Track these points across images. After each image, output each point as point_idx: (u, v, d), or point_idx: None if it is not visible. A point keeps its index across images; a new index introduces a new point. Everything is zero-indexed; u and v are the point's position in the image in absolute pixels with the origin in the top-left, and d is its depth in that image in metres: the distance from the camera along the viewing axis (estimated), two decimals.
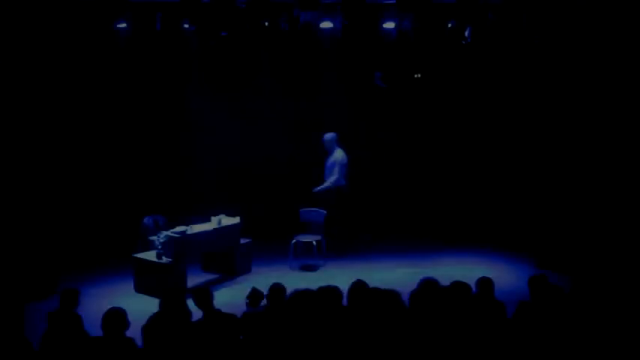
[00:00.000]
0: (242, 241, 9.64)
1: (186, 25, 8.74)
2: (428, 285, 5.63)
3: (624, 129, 9.39)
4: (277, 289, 5.76)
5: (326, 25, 8.95)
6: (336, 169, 10.15)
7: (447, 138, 11.85)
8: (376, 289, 5.57)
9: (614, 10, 8.73)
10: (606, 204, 9.44)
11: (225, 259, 9.50)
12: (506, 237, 10.71)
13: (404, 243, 11.02)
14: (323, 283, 5.88)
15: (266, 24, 8.36)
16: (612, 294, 5.92)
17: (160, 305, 5.55)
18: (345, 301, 5.66)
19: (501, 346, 5.18)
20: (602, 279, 8.47)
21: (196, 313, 5.71)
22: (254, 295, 6.06)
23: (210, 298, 5.65)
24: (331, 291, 5.58)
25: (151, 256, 8.78)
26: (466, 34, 8.74)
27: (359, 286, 5.65)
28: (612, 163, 9.44)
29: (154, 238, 8.84)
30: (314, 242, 9.76)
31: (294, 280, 9.01)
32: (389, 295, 5.43)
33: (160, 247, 8.68)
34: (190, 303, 5.74)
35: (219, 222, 9.35)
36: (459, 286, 5.72)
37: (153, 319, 5.50)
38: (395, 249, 10.73)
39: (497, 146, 11.46)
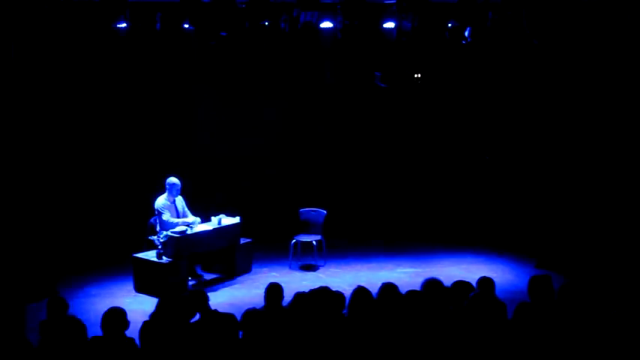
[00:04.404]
0: (242, 241, 9.64)
1: (186, 25, 8.75)
2: (431, 285, 5.62)
3: (622, 133, 9.38)
4: (275, 288, 5.75)
5: (326, 25, 8.94)
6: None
7: (447, 138, 11.85)
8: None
9: (613, 10, 8.71)
10: (602, 206, 9.44)
11: (225, 259, 9.51)
12: (504, 238, 10.71)
13: (404, 244, 11.02)
14: (323, 283, 5.88)
15: (266, 24, 8.35)
16: (610, 294, 5.93)
17: (157, 306, 5.55)
18: (346, 304, 5.64)
19: (503, 345, 5.18)
20: (600, 279, 8.49)
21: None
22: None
23: (205, 299, 5.65)
24: (333, 295, 5.56)
25: (151, 256, 8.79)
26: (466, 34, 8.72)
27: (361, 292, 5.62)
28: (610, 165, 9.44)
29: (154, 237, 8.85)
30: (314, 242, 9.76)
31: (294, 280, 9.04)
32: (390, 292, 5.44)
33: (159, 246, 8.68)
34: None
35: (219, 222, 9.35)
36: (461, 285, 5.72)
37: (150, 320, 5.49)
38: (395, 249, 10.73)
39: (496, 146, 11.47)
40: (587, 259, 9.28)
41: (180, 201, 9.20)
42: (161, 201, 9.01)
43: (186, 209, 9.27)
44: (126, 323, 5.13)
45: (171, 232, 8.72)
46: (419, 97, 11.54)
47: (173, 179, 9.05)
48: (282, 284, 5.78)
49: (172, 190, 9.03)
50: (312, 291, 5.61)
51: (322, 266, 9.93)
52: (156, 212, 9.02)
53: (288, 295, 5.72)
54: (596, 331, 5.21)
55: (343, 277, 9.24)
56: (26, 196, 8.57)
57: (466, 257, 10.30)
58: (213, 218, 9.38)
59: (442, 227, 11.49)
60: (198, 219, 9.20)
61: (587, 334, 5.20)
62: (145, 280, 8.73)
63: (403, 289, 5.66)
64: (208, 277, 9.46)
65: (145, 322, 5.45)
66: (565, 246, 9.66)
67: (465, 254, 10.44)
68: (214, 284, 9.15)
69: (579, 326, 5.27)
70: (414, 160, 11.95)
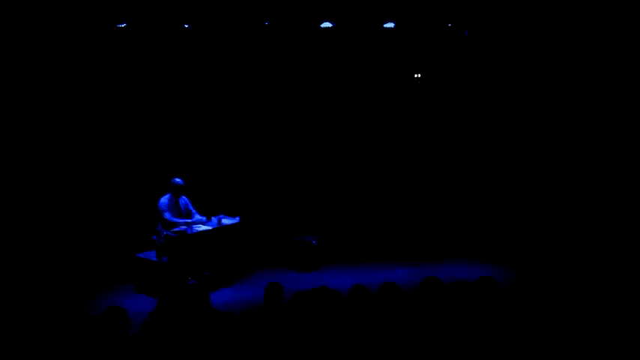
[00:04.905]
0: (242, 241, 9.64)
1: (186, 25, 8.77)
2: (431, 284, 5.63)
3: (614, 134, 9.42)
4: (275, 288, 5.76)
5: (326, 25, 8.97)
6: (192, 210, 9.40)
7: (447, 138, 11.85)
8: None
9: (613, 10, 8.73)
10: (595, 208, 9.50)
11: (225, 259, 9.50)
12: (500, 242, 10.70)
13: (404, 244, 11.00)
14: (323, 283, 5.89)
15: (266, 24, 8.39)
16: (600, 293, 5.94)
17: (157, 306, 5.56)
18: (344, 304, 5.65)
19: (503, 344, 5.19)
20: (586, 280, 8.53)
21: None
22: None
23: (205, 299, 5.65)
24: (332, 295, 5.58)
25: (151, 256, 8.79)
26: (466, 34, 8.75)
27: (359, 291, 5.63)
28: (602, 167, 9.48)
29: (155, 237, 8.84)
30: (314, 242, 9.76)
31: (294, 280, 9.04)
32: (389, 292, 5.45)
33: (160, 247, 8.68)
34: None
35: (220, 222, 9.35)
36: (461, 285, 5.72)
37: (150, 320, 5.50)
38: (395, 249, 10.72)
39: (496, 146, 11.47)
40: (576, 263, 9.32)
41: (183, 201, 9.21)
42: (163, 201, 9.02)
43: (191, 209, 9.28)
44: (125, 323, 5.13)
45: (171, 232, 8.72)
46: (419, 97, 11.53)
47: (176, 180, 9.07)
48: (282, 284, 5.79)
49: (175, 191, 9.05)
50: (312, 291, 5.61)
51: (322, 266, 9.93)
52: (159, 212, 9.03)
53: (288, 295, 5.73)
54: (590, 330, 5.23)
55: (343, 277, 9.24)
56: (28, 195, 8.59)
57: (466, 258, 10.29)
58: (213, 218, 9.38)
59: (442, 226, 11.47)
60: (203, 219, 9.22)
61: (581, 331, 5.23)
62: (145, 280, 8.73)
63: (403, 289, 5.66)
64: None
65: (145, 322, 5.46)
66: (552, 251, 9.67)
67: (464, 255, 10.43)
68: (214, 284, 9.14)
69: (576, 325, 5.30)
70: (413, 159, 11.94)
